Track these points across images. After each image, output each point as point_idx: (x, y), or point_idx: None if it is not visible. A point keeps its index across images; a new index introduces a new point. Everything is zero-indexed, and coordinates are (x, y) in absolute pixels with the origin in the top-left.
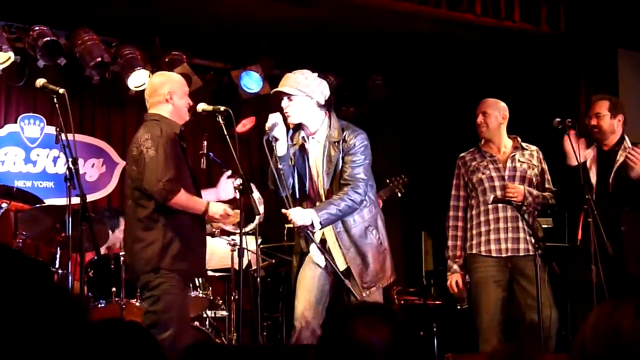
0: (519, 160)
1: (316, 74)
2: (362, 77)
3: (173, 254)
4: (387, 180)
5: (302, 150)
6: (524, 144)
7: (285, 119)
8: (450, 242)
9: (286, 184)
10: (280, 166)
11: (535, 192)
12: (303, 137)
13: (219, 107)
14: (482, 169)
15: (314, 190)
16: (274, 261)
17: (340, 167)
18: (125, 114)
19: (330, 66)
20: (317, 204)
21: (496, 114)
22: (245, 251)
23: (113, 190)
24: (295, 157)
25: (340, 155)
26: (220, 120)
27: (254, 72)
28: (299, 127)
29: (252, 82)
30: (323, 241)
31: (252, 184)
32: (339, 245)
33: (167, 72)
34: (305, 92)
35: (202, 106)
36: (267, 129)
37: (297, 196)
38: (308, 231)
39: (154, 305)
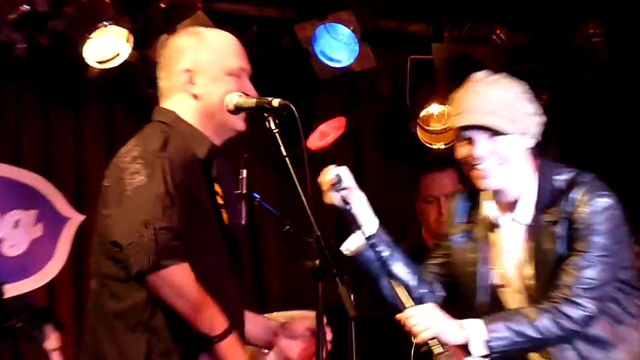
0: None
1: (526, 87)
2: (562, 31)
3: None
4: None
5: (480, 237)
6: None
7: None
8: None
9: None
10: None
11: None
12: (491, 221)
13: (270, 99)
14: None
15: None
16: None
17: (552, 260)
18: (81, 118)
19: (500, 15)
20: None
21: None
22: None
23: (61, 274)
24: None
25: (563, 244)
26: (272, 124)
27: (342, 24)
28: (474, 197)
29: (336, 45)
30: None
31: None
32: None
33: (199, 29)
34: (521, 123)
35: (235, 99)
36: (327, 185)
37: None
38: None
39: None
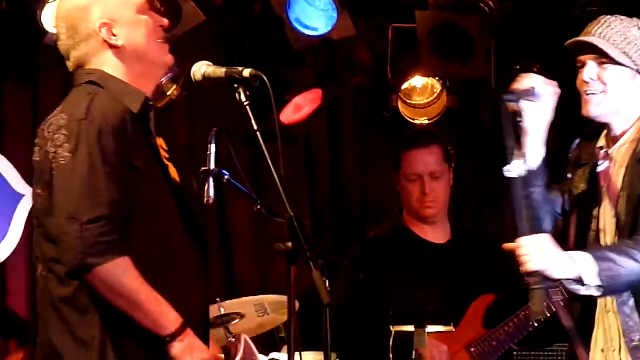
0: None
1: None
2: None
3: None
4: None
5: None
6: None
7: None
8: None
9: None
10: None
11: None
12: (600, 148)
13: (241, 69)
14: None
15: (597, 234)
16: None
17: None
18: (39, 86)
19: None
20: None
21: None
22: None
23: (13, 257)
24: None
25: None
26: (243, 97)
27: None
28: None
29: (313, 12)
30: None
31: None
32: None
33: None
34: (638, 61)
35: (204, 69)
36: (516, 90)
37: None
38: (559, 289)
39: None
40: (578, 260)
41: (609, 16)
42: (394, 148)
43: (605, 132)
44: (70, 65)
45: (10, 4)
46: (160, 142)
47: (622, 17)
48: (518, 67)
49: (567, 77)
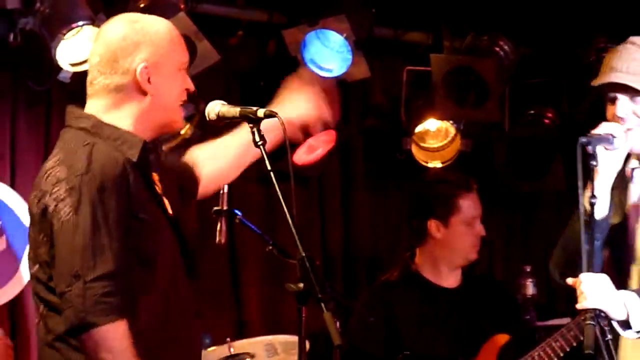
0: None
1: None
2: (571, 45)
3: None
4: None
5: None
6: None
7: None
8: None
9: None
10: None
11: None
12: (633, 169)
13: (255, 109)
14: None
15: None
16: None
17: None
18: (51, 123)
19: (504, 25)
20: None
21: None
22: None
23: (23, 292)
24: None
25: None
26: (257, 137)
27: (334, 31)
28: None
29: (328, 53)
30: None
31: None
32: None
33: (139, 16)
34: None
35: (218, 108)
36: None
37: None
38: (609, 328)
39: None
40: (629, 302)
41: (626, 45)
42: (444, 193)
43: (635, 155)
44: (90, 90)
45: (25, 40)
46: (155, 176)
47: (635, 40)
48: (532, 111)
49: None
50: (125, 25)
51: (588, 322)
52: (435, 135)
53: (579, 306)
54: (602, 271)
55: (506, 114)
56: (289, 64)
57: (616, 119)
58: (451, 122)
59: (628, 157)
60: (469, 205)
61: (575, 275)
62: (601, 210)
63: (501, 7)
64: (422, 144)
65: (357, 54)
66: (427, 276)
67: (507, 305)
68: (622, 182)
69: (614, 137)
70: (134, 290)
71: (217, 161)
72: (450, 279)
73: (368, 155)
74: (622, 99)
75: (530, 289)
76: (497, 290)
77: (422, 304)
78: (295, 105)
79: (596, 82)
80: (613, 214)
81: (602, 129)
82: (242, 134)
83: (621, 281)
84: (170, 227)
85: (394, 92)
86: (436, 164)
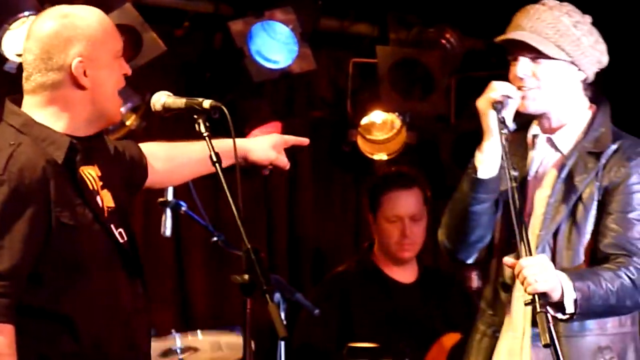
0: None
1: (590, 20)
2: None
3: None
4: None
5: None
6: None
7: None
8: None
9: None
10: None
11: None
12: (534, 136)
13: (201, 100)
14: None
15: (524, 239)
16: None
17: (590, 210)
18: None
19: (451, 17)
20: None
21: None
22: None
23: None
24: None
25: (597, 186)
26: (203, 129)
27: (280, 22)
28: (525, 120)
29: (274, 45)
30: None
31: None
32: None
33: (68, 10)
34: (571, 52)
35: (163, 99)
36: (492, 100)
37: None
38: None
39: None
40: (564, 283)
41: (537, 5)
42: (373, 188)
43: (536, 121)
44: (27, 86)
45: None
46: (94, 170)
47: (552, 3)
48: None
49: None
50: (55, 21)
51: (541, 309)
52: (381, 128)
53: (530, 290)
54: (494, 233)
55: (452, 106)
56: (234, 56)
57: (516, 79)
58: (397, 114)
59: (529, 123)
60: (393, 204)
61: (460, 237)
62: (488, 170)
63: None
64: (368, 136)
65: (303, 46)
66: (382, 268)
67: (461, 301)
68: (522, 148)
69: (509, 98)
70: (59, 293)
71: (171, 163)
72: (405, 274)
73: (314, 147)
74: (523, 60)
75: (475, 281)
76: (453, 286)
77: (378, 297)
78: (260, 143)
79: (499, 39)
80: (509, 180)
81: (499, 91)
82: (203, 146)
83: (513, 246)
84: (103, 228)
85: (340, 84)
86: (382, 156)
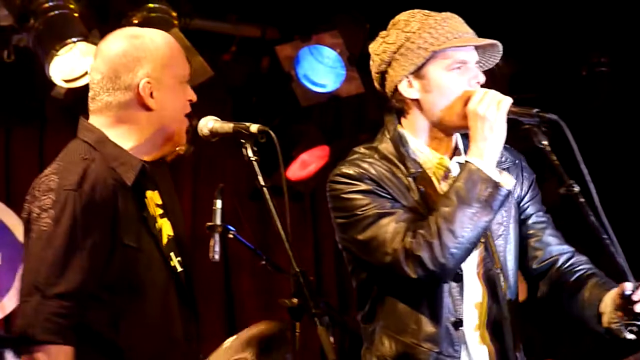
0: None
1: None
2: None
3: None
4: None
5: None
6: None
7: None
8: None
9: None
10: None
11: None
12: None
13: (248, 125)
14: None
15: None
16: None
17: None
18: (45, 139)
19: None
20: None
21: None
22: None
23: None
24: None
25: None
26: (250, 153)
27: (327, 46)
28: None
29: (321, 69)
30: None
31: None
32: None
33: (138, 31)
34: None
35: (211, 124)
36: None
37: None
38: None
39: None
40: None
41: (443, 15)
42: None
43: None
44: (92, 106)
45: (18, 57)
46: (155, 196)
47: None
48: (526, 126)
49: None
50: (125, 41)
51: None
52: None
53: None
54: None
55: None
56: (282, 80)
57: (477, 85)
58: None
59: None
60: None
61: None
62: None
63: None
64: None
65: (350, 69)
66: None
67: None
68: None
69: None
70: (117, 317)
71: None
72: None
73: None
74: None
75: None
76: None
77: None
78: None
79: (478, 43)
80: None
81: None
82: None
83: None
84: (161, 256)
85: None
86: None
